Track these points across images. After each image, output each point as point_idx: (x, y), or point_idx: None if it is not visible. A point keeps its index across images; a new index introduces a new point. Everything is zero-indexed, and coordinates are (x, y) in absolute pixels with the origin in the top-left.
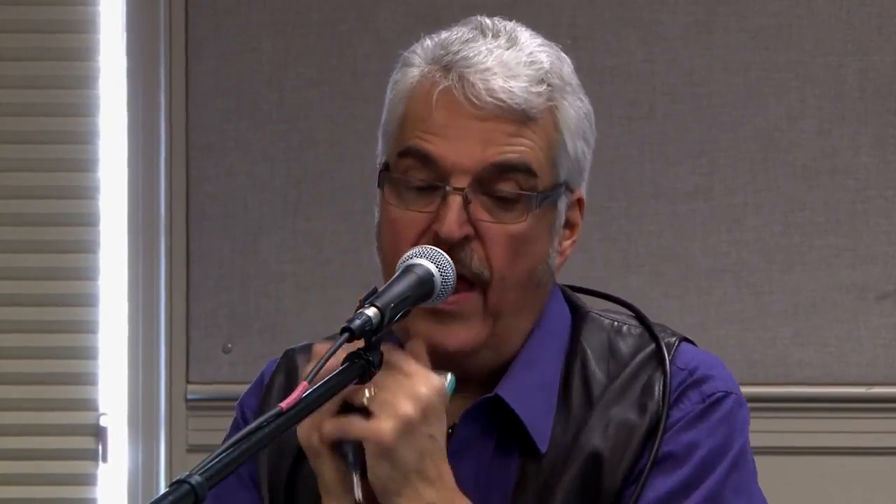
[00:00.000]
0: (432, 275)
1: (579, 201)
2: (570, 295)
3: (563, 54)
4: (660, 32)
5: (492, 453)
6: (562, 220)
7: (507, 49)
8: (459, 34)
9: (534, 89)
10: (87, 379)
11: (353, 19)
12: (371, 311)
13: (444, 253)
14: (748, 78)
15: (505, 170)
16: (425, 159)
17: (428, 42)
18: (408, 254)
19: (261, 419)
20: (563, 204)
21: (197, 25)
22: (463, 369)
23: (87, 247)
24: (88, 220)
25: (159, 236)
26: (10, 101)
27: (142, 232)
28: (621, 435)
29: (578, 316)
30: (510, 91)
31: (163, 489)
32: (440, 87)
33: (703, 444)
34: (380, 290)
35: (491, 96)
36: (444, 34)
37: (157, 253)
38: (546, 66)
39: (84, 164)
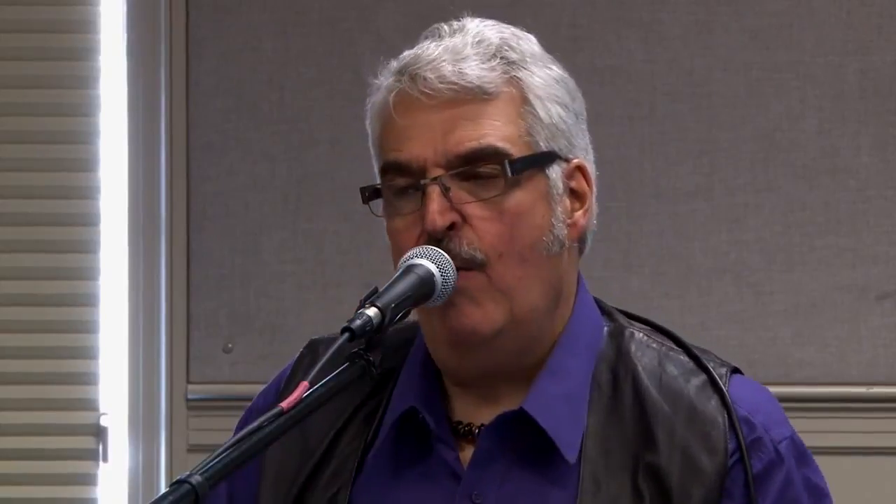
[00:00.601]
0: (432, 274)
1: (580, 169)
2: (608, 309)
3: (522, 32)
4: (660, 32)
5: (518, 462)
6: (558, 188)
7: (453, 37)
8: (416, 46)
9: (485, 65)
10: (88, 379)
11: (353, 19)
12: (372, 312)
13: (444, 253)
14: (748, 78)
15: (472, 158)
16: (399, 168)
17: (392, 63)
18: (408, 254)
19: (262, 419)
20: (554, 172)
21: (197, 25)
22: (488, 360)
23: (88, 247)
24: (89, 220)
25: (160, 236)
26: (11, 100)
27: (142, 232)
28: (689, 467)
29: (616, 327)
30: (461, 73)
31: (163, 489)
32: (395, 92)
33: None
34: (380, 290)
35: (442, 82)
36: (405, 52)
37: (158, 253)
38: (495, 41)
39: (85, 163)
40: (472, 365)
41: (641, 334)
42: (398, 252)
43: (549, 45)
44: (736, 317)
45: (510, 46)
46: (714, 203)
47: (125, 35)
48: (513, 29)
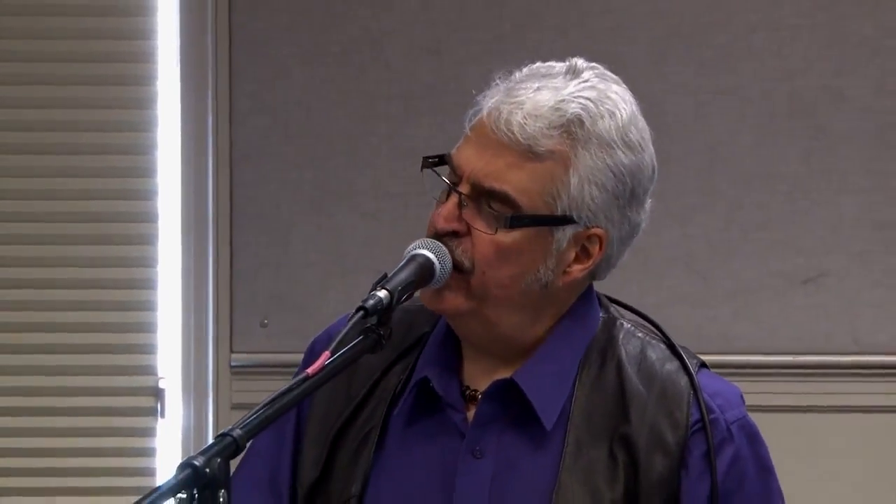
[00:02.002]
0: (433, 263)
1: (598, 237)
2: (606, 303)
3: (617, 110)
4: (621, 62)
5: (513, 424)
6: (562, 246)
7: (550, 91)
8: (537, 69)
9: (548, 131)
10: (148, 349)
11: (367, 52)
12: (382, 293)
13: (443, 246)
14: (696, 100)
15: (488, 194)
16: (450, 165)
17: (514, 75)
18: (413, 245)
19: (291, 383)
20: (564, 233)
21: (239, 57)
22: (463, 331)
23: (148, 239)
24: (149, 218)
25: (207, 231)
26: (87, 118)
27: (193, 227)
28: (654, 438)
29: (609, 319)
30: (523, 128)
31: (210, 440)
32: (481, 112)
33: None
34: (389, 275)
35: (507, 128)
36: (535, 65)
37: (206, 245)
38: (569, 114)
39: (145, 171)
40: (457, 330)
41: (630, 325)
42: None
43: None
44: (685, 298)
45: (583, 123)
46: (667, 204)
47: (178, 64)
48: (612, 102)
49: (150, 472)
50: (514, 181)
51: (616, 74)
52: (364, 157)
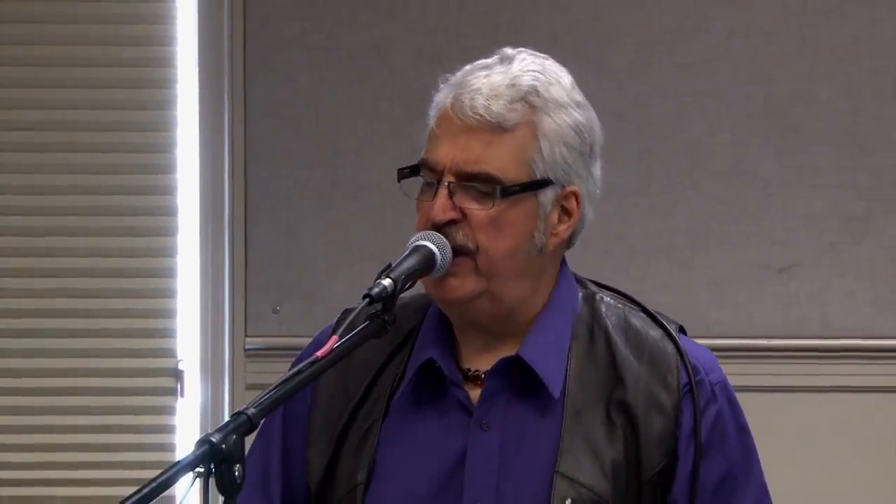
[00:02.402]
0: (434, 253)
1: (574, 194)
2: (580, 277)
3: (560, 75)
4: (610, 66)
5: (517, 399)
6: (547, 207)
7: (499, 74)
8: (482, 62)
9: (510, 106)
10: (168, 333)
11: (371, 57)
12: (386, 282)
13: (443, 237)
14: (678, 102)
15: (471, 177)
16: (428, 165)
17: (459, 73)
18: (416, 237)
19: (301, 365)
20: (546, 195)
21: (253, 62)
22: (471, 317)
23: (168, 231)
24: (169, 212)
25: (223, 224)
26: (113, 119)
27: (210, 220)
28: (651, 401)
29: (589, 294)
30: (488, 108)
31: (226, 418)
32: (441, 108)
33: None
34: (393, 265)
35: (473, 112)
36: (472, 65)
37: (222, 236)
38: (525, 87)
39: (166, 168)
40: (463, 318)
41: (609, 298)
42: (417, 221)
43: None
44: (667, 286)
45: (538, 92)
46: (650, 198)
47: (197, 68)
48: (553, 71)
49: (170, 448)
50: (493, 159)
51: (603, 77)
52: (369, 155)
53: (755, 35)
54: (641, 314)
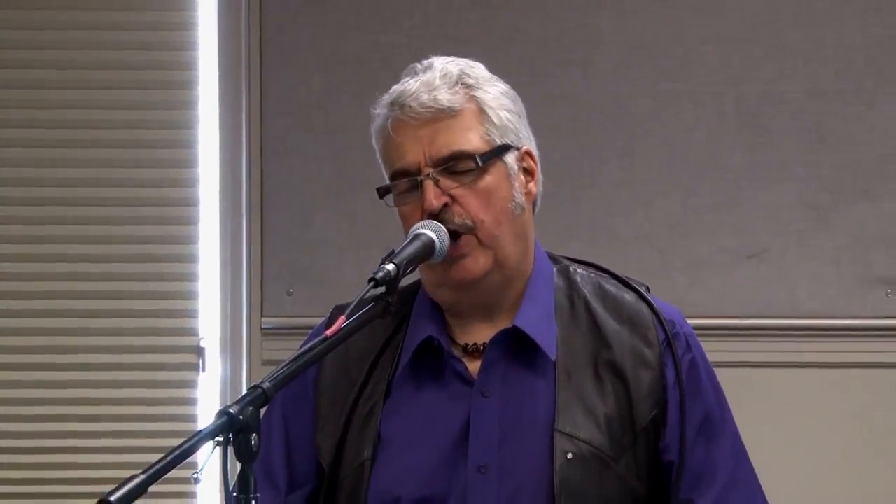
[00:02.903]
0: (433, 240)
1: (528, 153)
2: (552, 253)
3: (474, 62)
4: (594, 69)
5: (514, 366)
6: (514, 169)
7: (425, 73)
8: (400, 82)
9: (451, 91)
10: (191, 314)
11: (377, 60)
12: (390, 267)
13: (440, 225)
14: (657, 101)
15: (449, 159)
16: (403, 172)
17: (385, 97)
18: (416, 225)
19: (312, 342)
20: (510, 157)
21: (268, 66)
22: (480, 295)
23: (191, 221)
24: (191, 202)
25: (241, 214)
26: (139, 118)
27: (229, 210)
28: (637, 358)
29: (562, 267)
30: (435, 99)
31: (244, 392)
32: (391, 119)
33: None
34: (396, 251)
35: (422, 108)
36: (393, 87)
37: (240, 225)
38: (455, 73)
39: (189, 162)
40: (468, 300)
41: (581, 269)
42: (407, 228)
43: (514, 78)
44: (647, 271)
45: (467, 74)
46: (631, 190)
47: (218, 71)
48: (466, 61)
49: (192, 419)
50: (458, 138)
51: (588, 80)
52: (374, 150)
53: (727, 41)
54: (613, 280)
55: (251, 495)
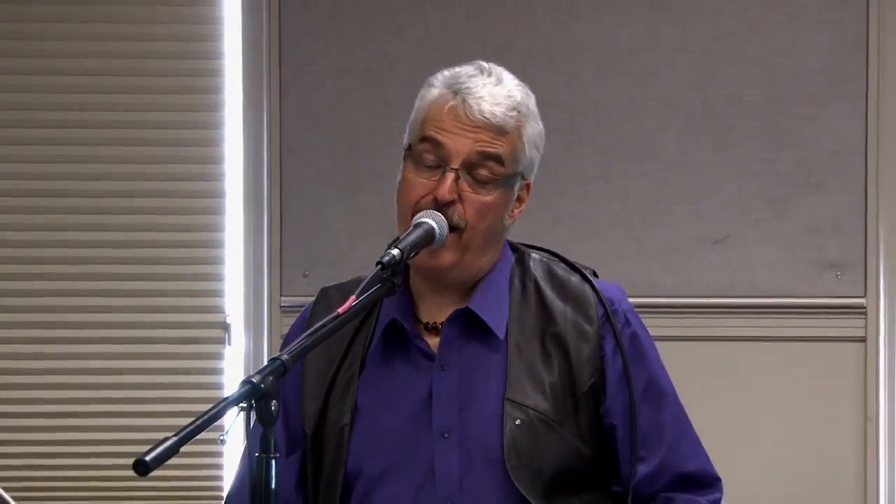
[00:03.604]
0: (434, 229)
1: (528, 186)
2: (513, 243)
3: (530, 93)
4: (578, 76)
5: (469, 342)
6: (514, 196)
7: (495, 85)
8: (466, 70)
9: (509, 114)
10: (218, 293)
11: (384, 69)
12: (395, 251)
13: (442, 216)
14: (632, 105)
15: (485, 157)
16: (436, 144)
17: (446, 73)
18: (419, 214)
19: (325, 320)
20: (517, 186)
21: (287, 74)
22: (444, 282)
23: (217, 211)
24: (218, 194)
25: (263, 205)
26: (172, 119)
27: (252, 201)
28: (578, 332)
29: (520, 254)
30: (493, 113)
31: (265, 363)
32: (450, 104)
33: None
34: (400, 237)
35: (481, 115)
36: (456, 69)
37: (262, 215)
38: (518, 99)
39: (215, 159)
40: (432, 282)
41: (536, 254)
42: (405, 196)
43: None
44: (623, 256)
45: (525, 104)
46: (610, 184)
47: (242, 78)
48: (526, 89)
49: (219, 387)
50: (500, 149)
51: (571, 87)
52: (381, 149)
53: (694, 51)
54: (562, 264)
55: (271, 455)
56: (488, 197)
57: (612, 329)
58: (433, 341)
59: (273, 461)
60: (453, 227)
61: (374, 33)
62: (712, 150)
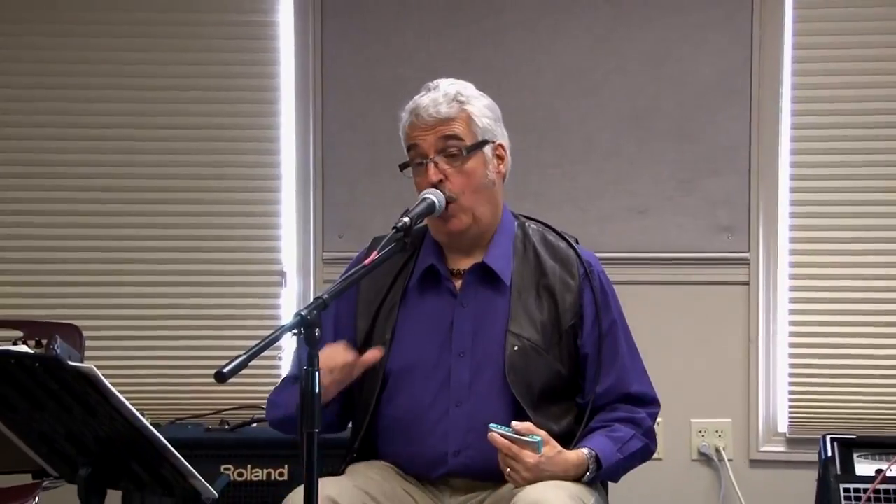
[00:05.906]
0: (434, 202)
1: (501, 146)
2: (516, 214)
3: (467, 83)
4: (537, 90)
5: (483, 287)
6: (490, 156)
7: (433, 92)
8: (417, 94)
9: (450, 104)
10: (276, 249)
11: (396, 85)
12: (406, 219)
13: (440, 191)
14: (579, 111)
15: (448, 138)
16: (414, 148)
17: (409, 104)
18: (424, 191)
19: (355, 269)
20: (488, 149)
21: (327, 86)
22: (463, 240)
23: (276, 189)
24: (276, 177)
25: (309, 184)
26: (237, 121)
27: (301, 180)
28: (564, 285)
29: (521, 222)
30: (437, 110)
31: (311, 300)
32: (411, 121)
33: (610, 293)
34: (410, 209)
35: (429, 117)
36: (414, 98)
37: (308, 191)
38: (453, 93)
39: (272, 150)
40: (455, 243)
41: (533, 224)
42: (418, 191)
43: (501, 97)
44: (572, 222)
45: (460, 93)
46: (563, 169)
47: (294, 87)
48: (462, 82)
49: (277, 318)
50: (455, 129)
51: (533, 97)
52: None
53: (625, 72)
54: (553, 233)
55: (314, 369)
56: (464, 166)
57: (589, 284)
58: (458, 284)
59: (316, 373)
60: (450, 200)
61: (389, 58)
62: (637, 144)
